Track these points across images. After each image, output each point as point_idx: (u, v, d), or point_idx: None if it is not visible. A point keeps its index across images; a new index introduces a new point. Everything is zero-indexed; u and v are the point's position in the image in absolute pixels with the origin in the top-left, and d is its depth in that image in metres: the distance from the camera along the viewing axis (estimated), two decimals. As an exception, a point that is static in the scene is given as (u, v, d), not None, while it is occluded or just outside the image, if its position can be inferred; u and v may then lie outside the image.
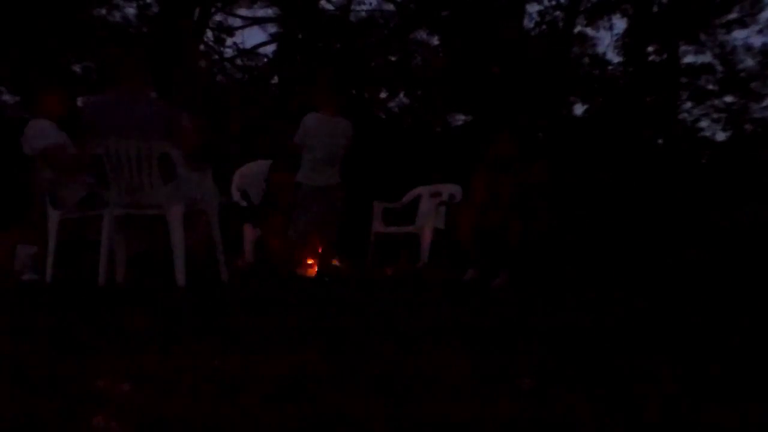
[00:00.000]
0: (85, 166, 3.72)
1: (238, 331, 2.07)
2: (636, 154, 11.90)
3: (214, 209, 3.74)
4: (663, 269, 5.09)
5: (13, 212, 4.54)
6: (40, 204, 3.84)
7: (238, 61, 13.74)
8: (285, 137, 4.56)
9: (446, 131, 13.60)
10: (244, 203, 5.27)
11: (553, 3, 12.63)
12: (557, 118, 12.24)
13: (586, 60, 14.03)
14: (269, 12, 13.85)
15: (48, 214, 3.69)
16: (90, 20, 11.68)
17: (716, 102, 14.01)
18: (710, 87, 13.95)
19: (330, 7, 13.61)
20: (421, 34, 13.92)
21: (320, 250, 4.59)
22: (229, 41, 13.17)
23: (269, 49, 13.94)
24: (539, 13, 12.84)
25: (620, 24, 19.52)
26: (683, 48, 13.64)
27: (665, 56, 13.54)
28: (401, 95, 13.51)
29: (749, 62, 13.48)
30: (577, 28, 13.55)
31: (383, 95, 13.98)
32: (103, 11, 12.12)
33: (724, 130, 14.12)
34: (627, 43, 13.34)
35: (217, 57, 13.18)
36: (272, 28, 14.03)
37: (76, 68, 11.65)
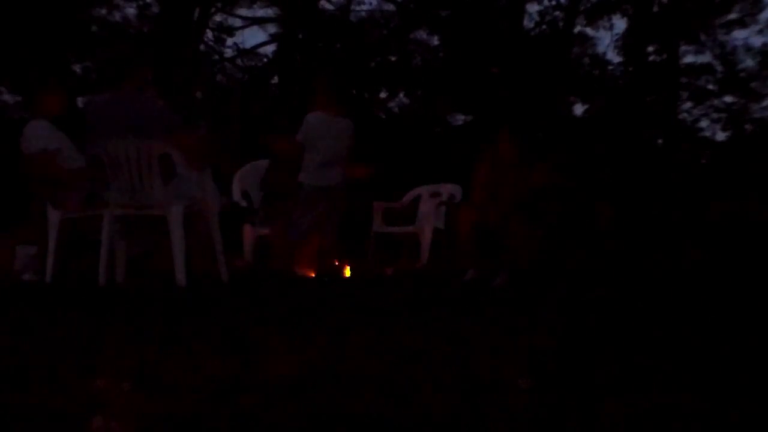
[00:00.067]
0: (76, 181, 3.73)
1: (238, 331, 2.07)
2: (636, 154, 11.90)
3: (214, 209, 3.74)
4: (663, 269, 5.09)
5: (13, 212, 4.54)
6: (40, 204, 3.84)
7: (238, 61, 13.76)
8: (287, 135, 4.53)
9: (446, 131, 13.61)
10: (244, 203, 5.26)
11: (553, 3, 12.65)
12: (557, 118, 12.24)
13: (586, 60, 14.04)
14: (269, 12, 13.87)
15: (48, 214, 3.69)
16: (90, 20, 11.69)
17: (716, 102, 14.03)
18: (710, 87, 13.97)
19: (330, 7, 13.62)
20: (421, 34, 13.94)
21: (321, 250, 4.59)
22: (229, 41, 13.19)
23: (269, 49, 13.96)
24: (539, 13, 12.86)
25: (620, 24, 19.51)
26: (683, 48, 13.66)
27: (665, 56, 13.54)
28: (401, 95, 13.52)
29: (749, 62, 13.50)
30: (577, 28, 13.57)
31: (383, 95, 13.99)
32: (103, 11, 12.13)
33: (724, 130, 14.13)
34: (627, 43, 13.35)
35: (217, 57, 13.18)
36: (272, 28, 14.05)
37: (77, 68, 11.65)
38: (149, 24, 12.22)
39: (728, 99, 13.90)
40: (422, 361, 1.64)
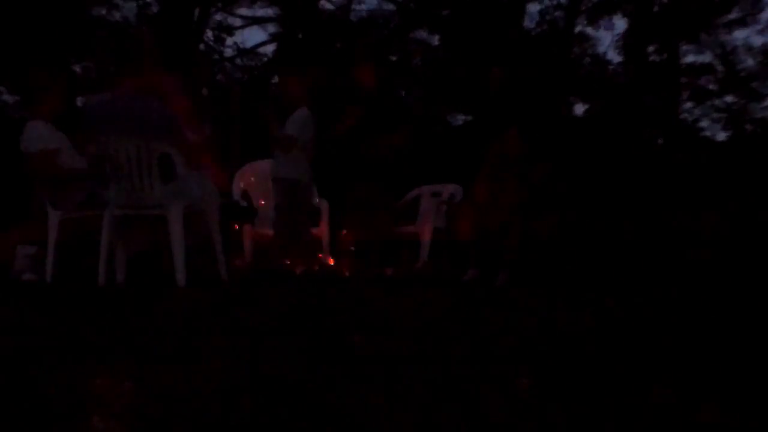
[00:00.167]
0: (74, 179, 3.73)
1: (238, 332, 2.07)
2: (636, 154, 11.89)
3: (214, 209, 3.74)
4: (662, 269, 5.09)
5: (13, 212, 4.53)
6: (40, 204, 3.84)
7: (238, 61, 13.76)
8: (275, 128, 4.53)
9: (446, 131, 13.60)
10: (244, 203, 5.26)
11: (554, 3, 12.65)
12: (557, 118, 12.24)
13: (587, 60, 14.04)
14: (269, 12, 13.87)
15: (48, 214, 3.69)
16: (90, 20, 11.68)
17: (716, 102, 14.04)
18: (710, 87, 13.97)
19: (330, 7, 13.62)
20: (421, 34, 13.94)
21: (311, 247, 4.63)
22: (229, 41, 13.19)
23: (269, 49, 13.96)
24: (539, 13, 12.86)
25: (621, 24, 19.52)
26: (683, 48, 13.67)
27: (665, 56, 13.55)
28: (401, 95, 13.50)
29: (749, 62, 13.50)
30: (578, 28, 13.57)
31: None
32: (103, 11, 12.13)
33: (724, 130, 14.14)
34: (627, 43, 13.35)
35: (217, 57, 13.18)
36: (272, 28, 14.05)
37: (77, 68, 11.65)
38: (149, 24, 12.22)
39: (728, 99, 13.92)
40: (422, 362, 1.64)
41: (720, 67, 13.67)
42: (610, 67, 13.84)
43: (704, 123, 14.17)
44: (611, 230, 7.36)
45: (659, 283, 4.14)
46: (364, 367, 1.55)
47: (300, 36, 13.41)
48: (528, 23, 13.01)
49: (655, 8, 13.43)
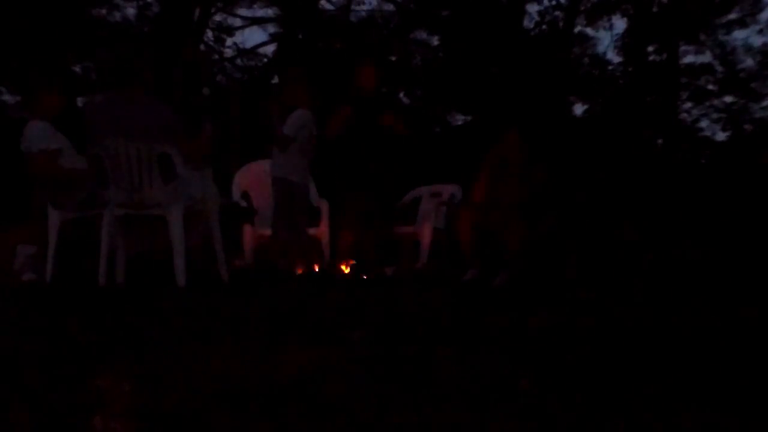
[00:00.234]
0: (75, 179, 3.73)
1: (238, 332, 2.07)
2: (636, 154, 11.89)
3: (214, 209, 3.74)
4: (662, 269, 5.09)
5: (13, 212, 4.54)
6: (40, 204, 3.84)
7: (238, 61, 13.77)
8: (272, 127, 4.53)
9: (446, 131, 13.60)
10: (244, 203, 5.26)
11: (553, 3, 12.65)
12: (557, 118, 12.24)
13: (586, 60, 14.05)
14: (269, 12, 13.87)
15: (48, 214, 3.69)
16: (90, 20, 11.68)
17: (716, 102, 14.04)
18: (710, 87, 13.97)
19: (330, 7, 13.63)
20: (421, 34, 13.94)
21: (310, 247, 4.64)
22: (229, 41, 13.20)
23: (269, 49, 13.97)
24: (539, 13, 12.86)
25: (620, 24, 19.53)
26: (683, 48, 13.67)
27: (665, 56, 13.55)
28: (401, 95, 13.52)
29: (749, 62, 13.50)
30: (577, 28, 13.57)
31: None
32: (103, 11, 12.13)
33: (724, 130, 14.14)
34: (627, 43, 13.35)
35: (217, 57, 13.18)
36: (272, 28, 14.05)
37: (76, 68, 11.65)
38: (149, 24, 12.22)
39: (728, 99, 13.92)
40: (422, 362, 1.64)
41: (719, 68, 13.68)
42: (610, 67, 13.85)
43: (704, 123, 14.19)
44: (611, 230, 7.36)
45: (659, 283, 4.14)
46: (365, 367, 1.55)
47: (300, 36, 13.41)
48: (528, 23, 13.03)
49: (655, 8, 13.43)
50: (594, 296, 3.34)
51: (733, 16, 13.11)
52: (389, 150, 4.72)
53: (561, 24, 13.06)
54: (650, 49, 13.55)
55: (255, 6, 13.57)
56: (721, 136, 14.22)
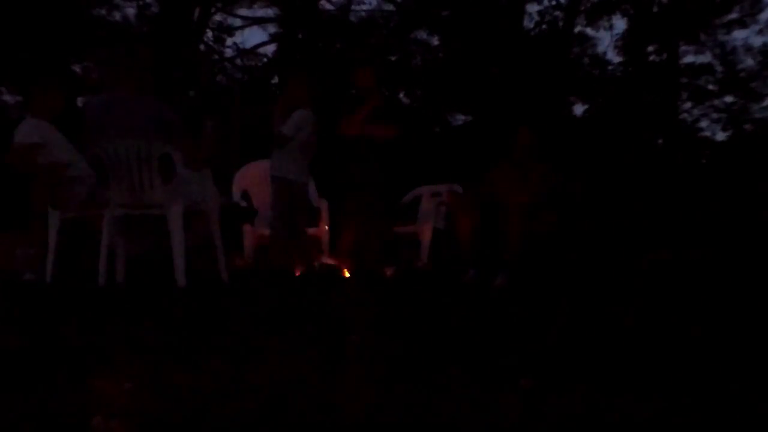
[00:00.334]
0: (53, 177, 3.73)
1: (238, 332, 2.07)
2: (636, 154, 11.89)
3: (214, 209, 3.74)
4: (662, 269, 5.09)
5: (13, 212, 4.53)
6: (40, 204, 3.83)
7: (238, 61, 13.77)
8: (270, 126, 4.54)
9: (446, 131, 13.60)
10: (244, 203, 5.26)
11: (553, 3, 12.65)
12: (557, 118, 12.24)
13: (586, 60, 14.04)
14: (269, 12, 13.87)
15: (48, 214, 3.68)
16: (90, 20, 11.68)
17: (716, 102, 14.03)
18: (710, 87, 13.96)
19: (330, 7, 13.63)
20: (421, 34, 13.94)
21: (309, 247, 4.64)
22: (229, 41, 13.20)
23: (269, 49, 13.97)
24: (539, 13, 12.86)
25: (620, 24, 19.54)
26: (683, 48, 13.66)
27: (665, 56, 13.54)
28: (401, 95, 13.52)
29: (749, 62, 13.50)
30: (577, 28, 13.57)
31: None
32: (103, 11, 12.13)
33: (724, 130, 14.14)
34: (627, 43, 13.35)
35: (217, 57, 13.19)
36: (272, 28, 14.05)
37: (76, 68, 11.65)
38: (149, 24, 12.22)
39: (728, 99, 13.91)
40: (422, 362, 1.64)
41: (719, 67, 13.67)
42: (610, 67, 13.85)
43: (704, 123, 14.19)
44: (611, 230, 7.36)
45: (659, 283, 4.14)
46: (365, 367, 1.55)
47: (300, 36, 13.41)
48: (528, 23, 13.03)
49: (655, 8, 13.43)
50: (594, 296, 3.34)
51: (733, 16, 13.12)
52: (390, 150, 4.71)
53: (561, 24, 13.06)
54: (650, 49, 13.55)
55: (255, 6, 13.58)
56: (721, 136, 14.23)
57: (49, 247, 3.57)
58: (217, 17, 13.27)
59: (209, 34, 13.01)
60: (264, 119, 4.64)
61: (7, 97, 11.38)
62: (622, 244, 6.48)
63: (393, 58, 13.63)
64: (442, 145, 11.87)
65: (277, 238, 4.48)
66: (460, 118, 14.03)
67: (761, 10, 12.94)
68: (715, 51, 13.58)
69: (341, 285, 4.05)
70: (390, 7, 13.72)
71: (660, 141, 14.20)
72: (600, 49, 14.01)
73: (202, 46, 12.63)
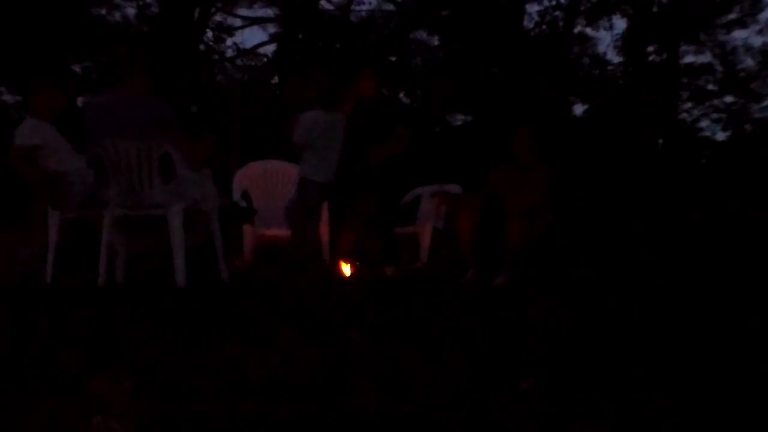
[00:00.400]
0: (46, 183, 3.73)
1: (237, 332, 2.07)
2: (636, 154, 11.89)
3: (214, 209, 3.74)
4: (662, 269, 5.08)
5: (13, 212, 4.53)
6: (40, 204, 3.83)
7: (238, 61, 13.77)
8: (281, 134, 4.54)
9: (446, 131, 13.59)
10: (243, 203, 5.26)
11: (553, 3, 12.65)
12: (557, 118, 12.24)
13: (586, 60, 14.04)
14: (269, 12, 13.87)
15: (48, 214, 3.68)
16: (90, 20, 11.68)
17: (716, 102, 14.03)
18: (710, 87, 13.97)
19: (330, 7, 13.63)
20: (421, 34, 13.94)
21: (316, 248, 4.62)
22: (229, 41, 13.20)
23: (269, 49, 13.97)
24: (539, 13, 12.86)
25: (620, 24, 19.51)
26: (683, 48, 13.66)
27: (665, 56, 13.54)
28: (401, 95, 13.52)
29: (749, 62, 13.50)
30: (577, 28, 13.57)
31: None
32: (103, 11, 12.13)
33: (724, 130, 14.14)
34: (627, 43, 13.35)
35: (217, 57, 13.19)
36: (272, 28, 14.05)
37: (76, 68, 11.65)
38: (149, 24, 12.23)
39: (728, 99, 13.92)
40: (423, 362, 1.64)
41: (719, 67, 13.67)
42: (610, 67, 13.85)
43: (704, 123, 14.19)
44: (611, 230, 7.36)
45: (659, 283, 4.13)
46: (365, 367, 1.55)
47: (300, 36, 13.41)
48: (528, 23, 13.03)
49: (655, 8, 13.43)
50: (594, 296, 3.33)
51: (733, 16, 13.12)
52: (387, 148, 4.71)
53: (561, 24, 13.06)
54: (650, 49, 13.56)
55: (255, 6, 13.58)
56: (721, 136, 14.23)
57: (49, 247, 3.57)
58: (217, 17, 13.29)
59: (209, 34, 13.02)
60: (264, 119, 4.63)
61: (7, 97, 11.39)
62: (621, 242, 6.48)
63: (393, 58, 13.64)
64: (442, 145, 11.86)
65: (299, 239, 4.48)
66: (460, 118, 14.03)
67: (761, 10, 12.96)
68: (715, 51, 13.59)
69: (341, 285, 4.05)
70: (390, 7, 13.72)
71: (660, 141, 14.20)
72: (600, 49, 14.02)
73: (202, 46, 12.63)
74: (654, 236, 7.19)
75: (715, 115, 14.06)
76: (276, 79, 14.02)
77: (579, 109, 14.16)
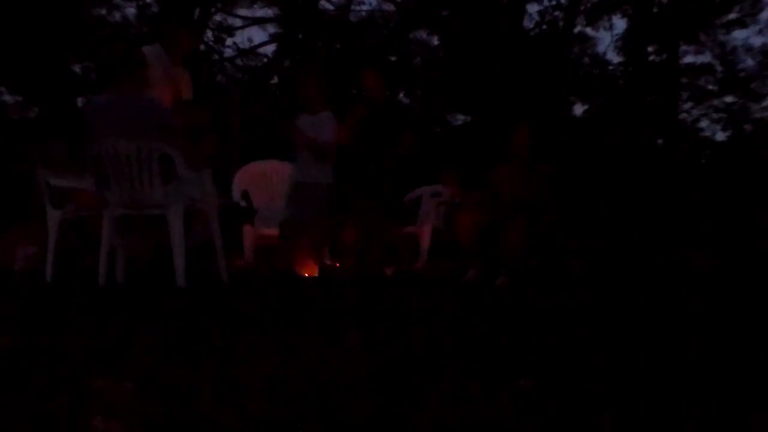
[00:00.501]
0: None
1: (237, 332, 2.07)
2: (636, 154, 11.90)
3: (214, 209, 3.74)
4: (662, 269, 5.09)
5: (13, 212, 4.53)
6: (40, 204, 3.84)
7: (238, 61, 13.77)
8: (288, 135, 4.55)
9: (446, 131, 13.61)
10: (244, 203, 5.26)
11: (553, 3, 12.65)
12: (557, 118, 12.25)
13: (586, 60, 14.04)
14: (269, 12, 13.87)
15: (48, 214, 3.69)
16: (90, 20, 11.69)
17: (716, 102, 14.03)
18: (710, 87, 13.96)
19: (330, 7, 13.63)
20: (421, 34, 13.94)
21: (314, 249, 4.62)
22: (229, 41, 13.20)
23: (269, 49, 13.97)
24: (539, 13, 12.87)
25: (620, 24, 19.53)
26: (683, 48, 13.66)
27: (665, 56, 13.54)
28: (401, 95, 13.52)
29: (749, 62, 13.49)
30: (577, 28, 13.57)
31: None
32: (103, 11, 12.13)
33: (724, 130, 14.14)
34: (627, 43, 13.35)
35: (217, 57, 13.18)
36: (272, 28, 14.05)
37: (77, 68, 11.65)
38: (149, 24, 12.23)
39: (728, 99, 13.91)
40: (423, 363, 1.64)
41: (719, 67, 13.68)
42: (610, 67, 13.85)
43: (704, 123, 14.19)
44: (611, 230, 7.36)
45: (659, 283, 4.14)
46: (365, 367, 1.55)
47: (300, 36, 13.41)
48: (528, 23, 13.03)
49: (655, 8, 13.43)
50: (594, 296, 3.34)
51: (733, 16, 13.12)
52: (394, 151, 4.72)
53: (561, 24, 13.06)
54: (650, 49, 13.55)
55: (255, 6, 13.58)
56: (721, 136, 14.23)
57: (49, 247, 3.58)
58: (217, 17, 13.29)
59: (209, 34, 13.02)
60: (264, 119, 4.64)
61: (7, 97, 11.38)
62: (622, 243, 6.49)
63: (393, 58, 13.64)
64: (442, 145, 11.87)
65: (318, 241, 4.48)
66: (460, 118, 14.04)
67: (761, 10, 12.95)
68: (715, 51, 13.58)
69: (342, 285, 4.05)
70: (390, 7, 13.73)
71: (660, 141, 14.20)
72: (600, 49, 14.03)
73: (202, 46, 12.62)
74: (655, 236, 7.19)
75: (715, 115, 14.07)
76: (276, 79, 14.03)
77: (579, 109, 14.18)
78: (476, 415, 1.18)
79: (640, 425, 1.16)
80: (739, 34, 14.62)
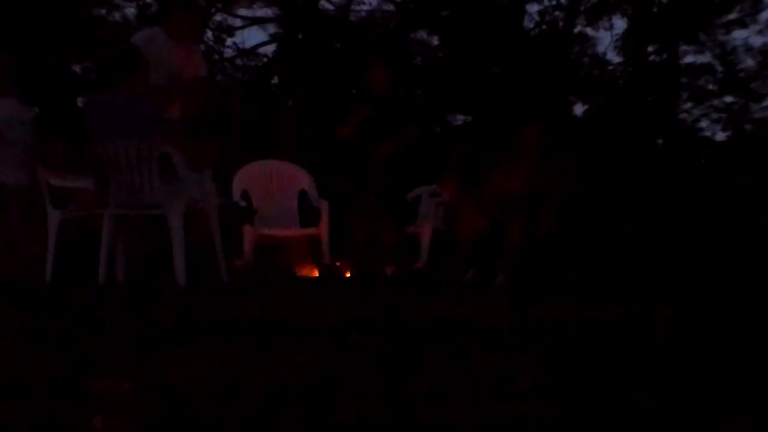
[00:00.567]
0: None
1: (238, 332, 2.07)
2: (636, 154, 11.89)
3: (214, 209, 3.74)
4: (662, 269, 5.09)
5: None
6: (40, 204, 3.83)
7: (238, 61, 13.76)
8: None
9: (446, 131, 13.60)
10: (243, 203, 5.26)
11: (553, 3, 12.65)
12: (557, 118, 12.24)
13: (586, 60, 14.03)
14: (269, 12, 13.86)
15: (48, 214, 3.69)
16: (90, 20, 11.68)
17: (716, 102, 14.01)
18: (710, 87, 13.95)
19: (330, 7, 13.62)
20: (421, 34, 13.94)
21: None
22: (229, 41, 13.19)
23: (269, 49, 13.96)
24: (539, 13, 12.86)
25: (620, 24, 19.51)
26: (683, 48, 13.64)
27: (665, 56, 13.54)
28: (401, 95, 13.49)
29: (749, 62, 13.48)
30: (577, 28, 13.56)
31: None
32: (103, 11, 12.13)
33: (724, 130, 14.13)
34: (627, 43, 13.34)
35: (217, 57, 13.18)
36: (272, 28, 14.04)
37: (76, 68, 11.65)
38: (149, 24, 12.22)
39: (728, 99, 13.90)
40: (423, 364, 1.64)
41: (719, 67, 13.66)
42: (610, 67, 13.84)
43: (704, 123, 14.18)
44: (611, 230, 7.35)
45: (659, 283, 4.14)
46: (365, 368, 1.55)
47: (300, 36, 13.41)
48: (528, 23, 13.03)
49: (655, 8, 13.43)
50: (594, 296, 3.34)
51: (733, 16, 13.10)
52: (400, 150, 4.72)
53: (561, 24, 13.06)
54: (650, 49, 13.55)
55: (255, 6, 13.57)
56: (721, 136, 14.22)
57: (49, 247, 3.58)
58: (218, 17, 13.28)
59: (209, 34, 13.01)
60: (264, 119, 4.64)
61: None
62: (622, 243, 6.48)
63: (393, 58, 13.63)
64: (442, 145, 11.87)
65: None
66: (460, 118, 14.03)
67: (761, 10, 12.93)
68: (715, 51, 13.57)
69: (342, 285, 4.05)
70: (390, 7, 13.72)
71: (660, 141, 14.19)
72: (600, 49, 14.01)
73: (202, 46, 12.61)
74: (656, 236, 7.18)
75: (715, 115, 14.06)
76: (276, 79, 14.03)
77: (579, 109, 14.17)
78: (476, 416, 1.18)
79: (640, 425, 1.16)
80: (739, 34, 14.58)
